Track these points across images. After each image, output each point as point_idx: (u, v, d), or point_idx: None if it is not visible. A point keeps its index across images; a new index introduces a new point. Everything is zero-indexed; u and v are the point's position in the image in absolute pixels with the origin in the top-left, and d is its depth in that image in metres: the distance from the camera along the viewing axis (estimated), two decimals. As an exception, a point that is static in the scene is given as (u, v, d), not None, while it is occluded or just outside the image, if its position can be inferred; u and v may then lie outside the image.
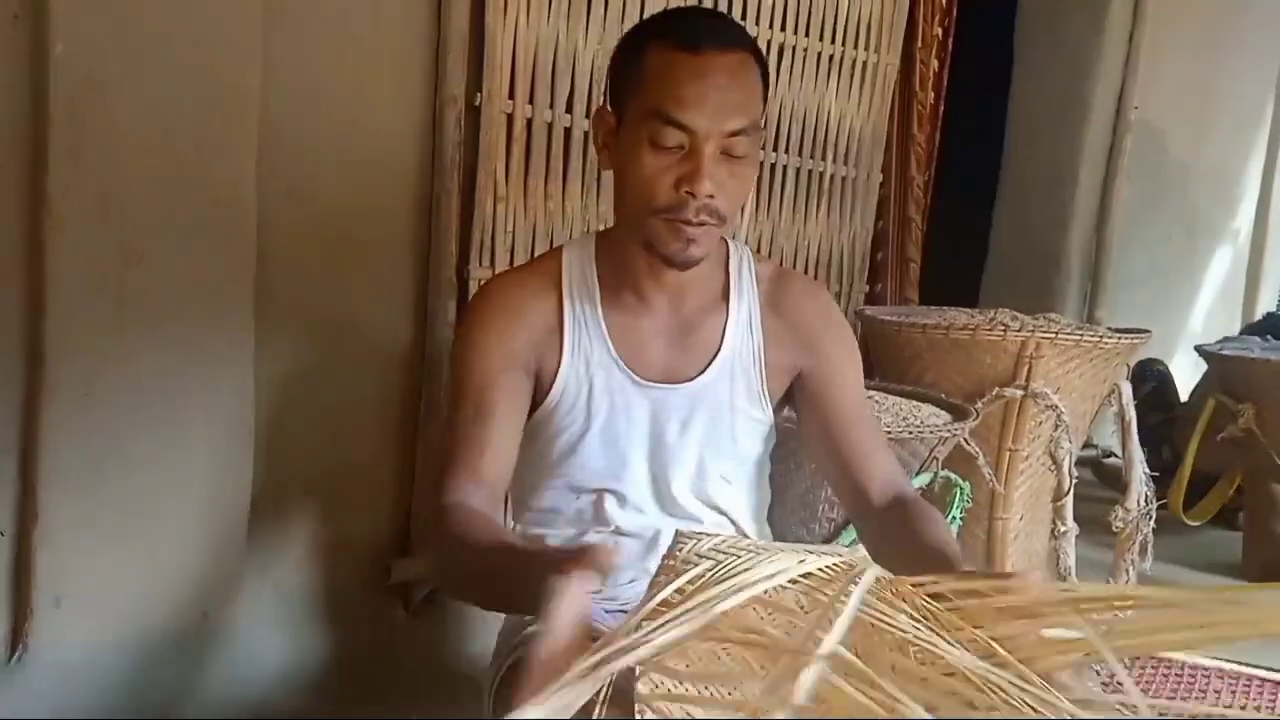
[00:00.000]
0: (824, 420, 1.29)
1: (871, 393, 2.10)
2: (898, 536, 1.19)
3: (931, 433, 1.85)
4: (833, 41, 2.58)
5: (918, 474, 1.85)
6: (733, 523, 1.31)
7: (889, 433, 1.74)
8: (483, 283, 1.35)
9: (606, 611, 1.24)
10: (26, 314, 1.48)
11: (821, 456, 1.31)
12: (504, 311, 1.24)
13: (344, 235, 1.83)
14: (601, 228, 1.34)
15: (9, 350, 1.48)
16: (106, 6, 1.47)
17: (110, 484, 1.56)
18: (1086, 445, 3.10)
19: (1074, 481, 2.21)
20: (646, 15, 2.00)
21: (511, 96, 1.99)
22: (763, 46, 2.38)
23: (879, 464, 1.28)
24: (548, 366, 1.25)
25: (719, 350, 1.26)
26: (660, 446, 1.26)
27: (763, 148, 2.43)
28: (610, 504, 1.27)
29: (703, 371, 1.26)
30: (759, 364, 1.28)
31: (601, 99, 1.27)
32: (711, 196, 1.12)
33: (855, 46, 2.64)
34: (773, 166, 2.53)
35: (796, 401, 1.32)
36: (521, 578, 0.97)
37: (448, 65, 1.88)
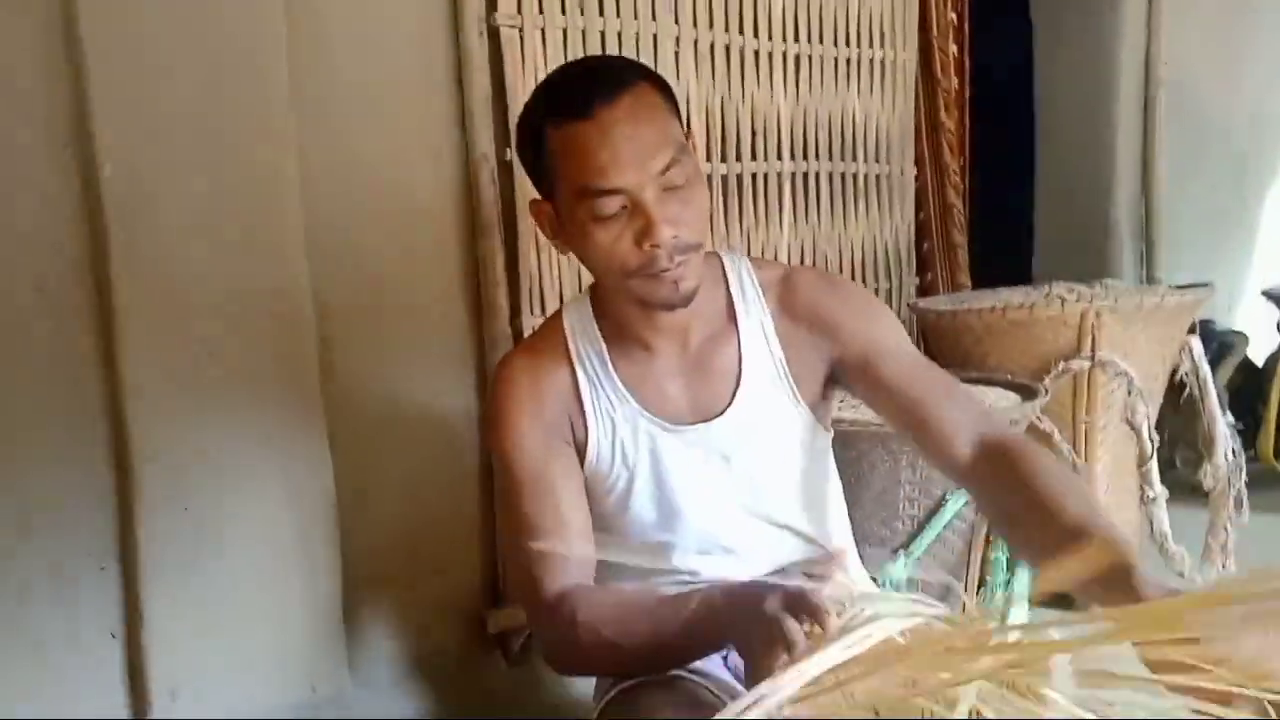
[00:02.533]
0: (882, 393, 1.22)
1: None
2: (1009, 500, 1.08)
3: (1001, 415, 1.84)
4: (847, 44, 2.59)
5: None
6: (797, 534, 1.28)
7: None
8: (504, 357, 1.32)
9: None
10: (111, 424, 1.54)
11: (900, 429, 1.24)
12: (524, 388, 1.22)
13: (397, 304, 1.88)
14: (590, 285, 1.31)
15: (98, 460, 1.54)
16: (145, 122, 1.54)
17: (208, 578, 1.62)
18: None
19: (1156, 445, 2.17)
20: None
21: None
22: (779, 58, 2.43)
23: (955, 414, 1.17)
24: (578, 434, 1.23)
25: (740, 376, 1.23)
26: (711, 486, 1.23)
27: (792, 156, 2.48)
28: (673, 554, 1.24)
29: (730, 402, 1.22)
30: (785, 375, 1.24)
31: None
32: (675, 236, 1.09)
33: (870, 45, 2.65)
34: (805, 175, 2.54)
35: (848, 388, 1.27)
36: (710, 617, 1.01)
37: (475, 125, 1.92)
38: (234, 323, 1.63)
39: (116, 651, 1.57)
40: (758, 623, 0.96)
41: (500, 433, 1.22)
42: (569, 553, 1.15)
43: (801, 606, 0.92)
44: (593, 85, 1.10)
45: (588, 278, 1.99)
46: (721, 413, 1.23)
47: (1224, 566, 2.06)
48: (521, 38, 1.96)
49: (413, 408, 1.92)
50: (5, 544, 1.48)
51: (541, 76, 2.01)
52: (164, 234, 1.56)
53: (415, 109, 1.90)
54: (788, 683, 0.82)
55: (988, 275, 3.23)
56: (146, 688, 1.57)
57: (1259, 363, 3.44)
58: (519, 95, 1.98)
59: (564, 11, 2.02)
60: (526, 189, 1.97)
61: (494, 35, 1.93)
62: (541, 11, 1.99)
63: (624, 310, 1.21)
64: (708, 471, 1.23)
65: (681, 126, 1.15)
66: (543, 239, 2.02)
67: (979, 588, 1.96)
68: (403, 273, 1.89)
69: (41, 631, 1.52)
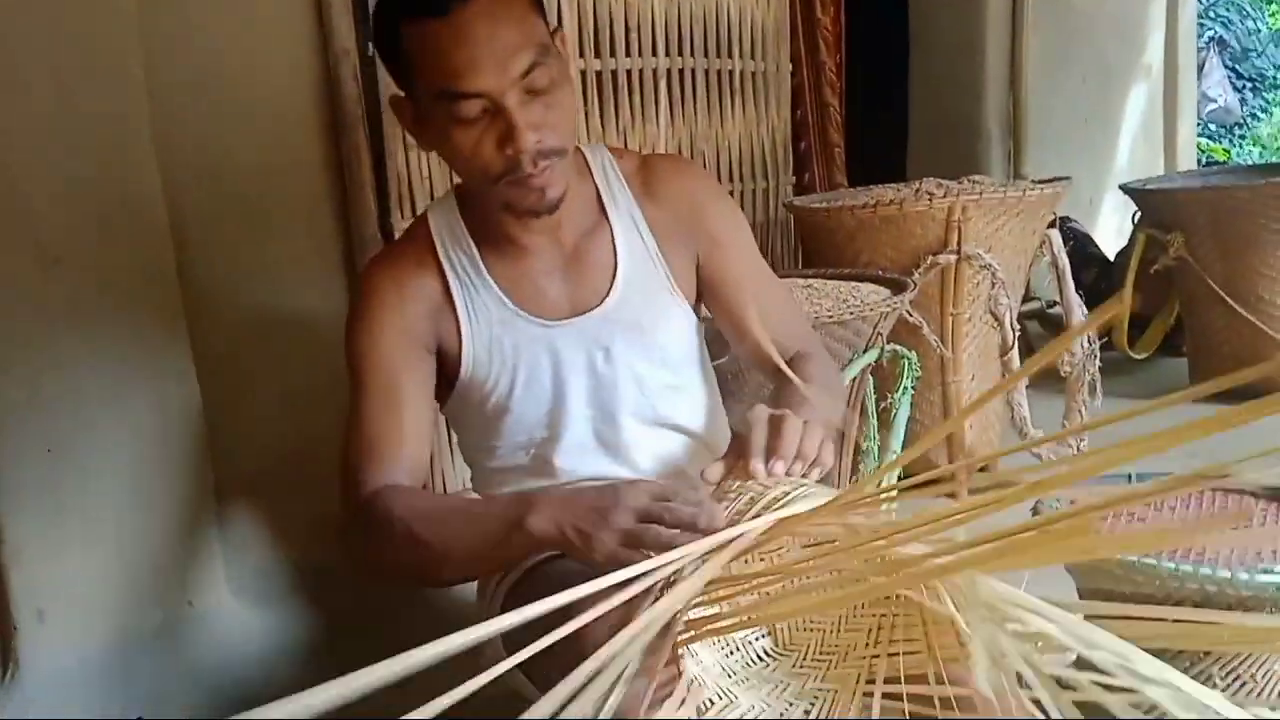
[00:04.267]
0: (726, 299, 1.27)
1: (810, 281, 2.13)
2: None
3: (872, 309, 1.88)
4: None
5: (865, 351, 1.89)
6: (685, 432, 1.30)
7: (830, 319, 1.77)
8: (369, 260, 1.29)
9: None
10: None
11: (734, 338, 1.30)
12: (388, 292, 1.19)
13: (259, 208, 1.80)
14: (456, 184, 1.28)
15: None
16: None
17: (69, 493, 1.55)
18: (1027, 299, 3.15)
19: (1017, 335, 2.26)
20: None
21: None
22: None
23: (782, 329, 1.27)
24: (448, 338, 1.21)
25: (616, 266, 1.23)
26: (594, 379, 1.23)
27: (666, 52, 2.45)
28: (555, 453, 1.24)
29: (608, 293, 1.22)
30: (660, 263, 1.25)
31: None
32: (539, 141, 1.07)
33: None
34: (681, 71, 2.51)
35: (702, 289, 1.30)
36: (512, 519, 0.99)
37: (333, 17, 1.83)
38: (81, 230, 1.54)
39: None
40: (597, 509, 0.97)
41: (356, 339, 1.19)
42: (394, 455, 1.13)
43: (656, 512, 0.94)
44: None
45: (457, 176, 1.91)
46: (599, 304, 1.22)
47: (1079, 448, 2.17)
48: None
49: (281, 315, 1.85)
50: None
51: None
52: (9, 137, 1.46)
53: (273, 5, 1.80)
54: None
55: (864, 174, 3.29)
56: (10, 610, 1.51)
57: (1113, 257, 3.61)
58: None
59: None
60: (391, 84, 1.93)
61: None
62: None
63: (493, 213, 1.18)
64: (589, 365, 1.23)
65: (546, 25, 1.11)
66: (409, 138, 1.97)
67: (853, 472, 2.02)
68: (263, 174, 1.80)
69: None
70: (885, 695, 0.92)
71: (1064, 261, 2.31)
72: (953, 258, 2.15)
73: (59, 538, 1.55)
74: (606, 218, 1.24)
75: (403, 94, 1.14)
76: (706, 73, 2.58)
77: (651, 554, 0.89)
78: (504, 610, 1.15)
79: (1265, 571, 1.13)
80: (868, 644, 0.98)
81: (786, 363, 1.24)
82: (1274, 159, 8.13)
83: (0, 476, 1.49)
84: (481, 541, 1.04)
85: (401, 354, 1.18)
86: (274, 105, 1.83)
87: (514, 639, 0.76)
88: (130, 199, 1.60)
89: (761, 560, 0.99)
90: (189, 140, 1.70)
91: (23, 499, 1.51)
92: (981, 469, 0.91)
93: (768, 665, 1.06)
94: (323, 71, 1.86)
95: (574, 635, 0.95)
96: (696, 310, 1.31)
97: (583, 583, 0.76)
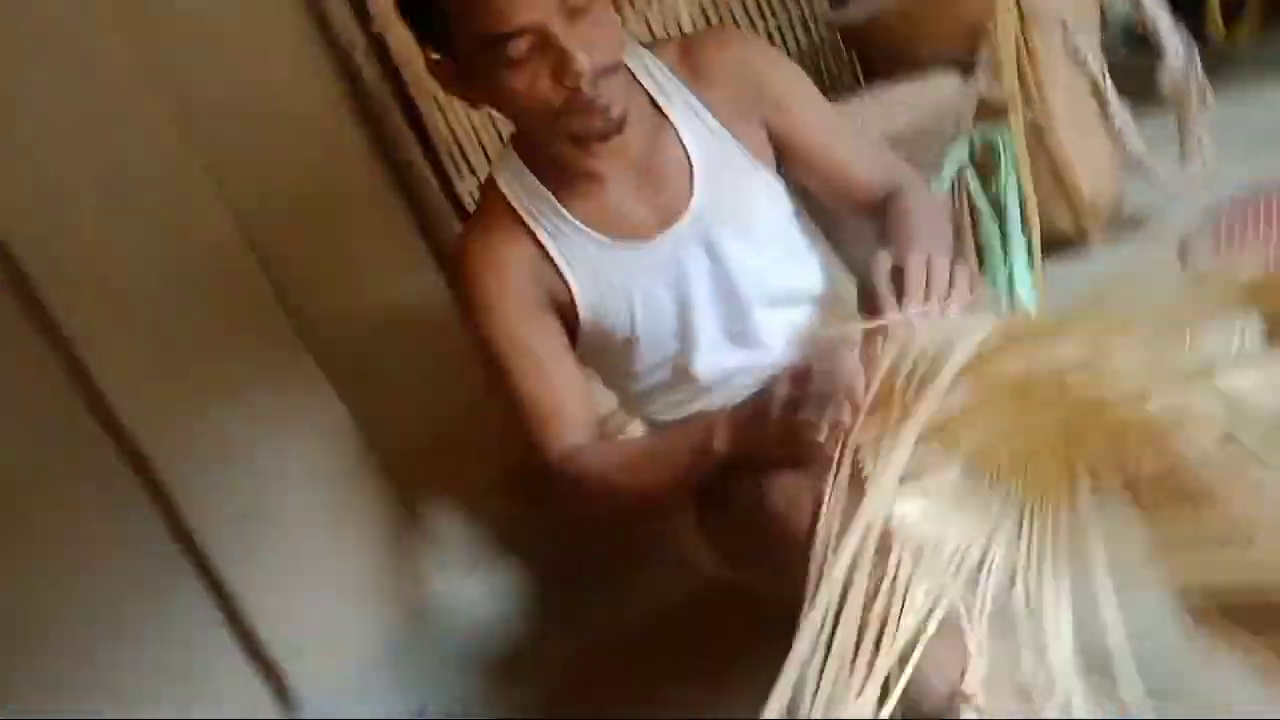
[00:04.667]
0: (805, 157, 1.24)
1: (876, 96, 2.03)
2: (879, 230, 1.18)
3: (947, 101, 1.80)
4: None
5: (951, 149, 1.82)
6: (809, 298, 1.28)
7: (908, 128, 1.70)
8: (454, 243, 1.28)
9: None
10: (114, 438, 1.52)
11: (825, 193, 1.27)
12: (487, 268, 1.19)
13: (325, 215, 1.83)
14: (512, 135, 1.26)
15: (123, 480, 1.54)
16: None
17: (273, 534, 1.65)
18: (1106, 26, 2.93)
19: (1104, 65, 2.12)
20: None
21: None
22: None
23: (866, 169, 1.24)
24: (559, 291, 1.21)
25: (690, 163, 1.20)
26: (708, 280, 1.22)
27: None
28: (692, 362, 1.25)
29: (692, 193, 1.20)
30: (732, 143, 1.22)
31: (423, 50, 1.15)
32: (593, 61, 1.03)
33: None
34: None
35: (780, 154, 1.27)
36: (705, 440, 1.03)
37: (331, 15, 1.82)
38: (181, 300, 1.59)
39: (227, 640, 1.61)
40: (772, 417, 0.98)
41: (477, 323, 1.21)
42: (566, 417, 1.17)
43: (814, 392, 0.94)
44: None
45: (503, 124, 1.91)
46: (687, 207, 1.21)
47: (1204, 164, 2.05)
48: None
49: (383, 307, 1.90)
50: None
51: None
52: (70, 233, 1.50)
53: (263, 21, 1.79)
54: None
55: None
56: (270, 657, 1.63)
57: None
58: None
59: None
60: (409, 56, 1.90)
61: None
62: None
63: (560, 151, 1.17)
64: (698, 269, 1.22)
65: None
66: (444, 98, 1.95)
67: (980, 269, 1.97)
68: (317, 181, 1.83)
69: (151, 640, 1.54)
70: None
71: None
72: (1015, 17, 2.01)
73: (279, 574, 1.65)
74: (666, 118, 1.21)
75: (439, 57, 1.12)
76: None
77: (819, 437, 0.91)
78: (701, 519, 1.19)
79: None
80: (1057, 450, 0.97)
81: (882, 200, 1.21)
82: None
83: (206, 543, 1.59)
84: (672, 476, 1.10)
85: (526, 322, 1.20)
86: (302, 109, 1.84)
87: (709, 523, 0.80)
88: (212, 245, 1.65)
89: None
90: (240, 170, 1.73)
91: (231, 554, 1.60)
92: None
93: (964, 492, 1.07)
94: (339, 65, 1.86)
95: (766, 514, 0.98)
96: (783, 176, 1.28)
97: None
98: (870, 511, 0.72)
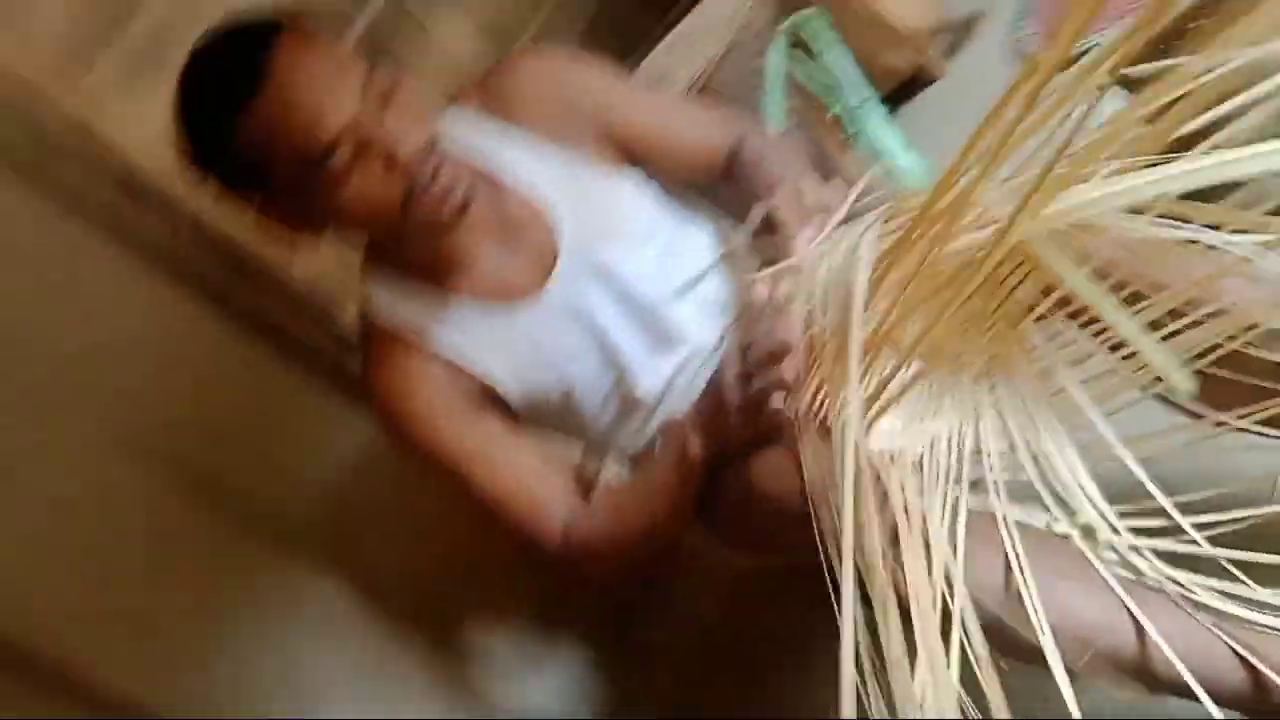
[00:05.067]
0: (641, 144, 1.24)
1: (676, 31, 1.99)
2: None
3: (741, 7, 1.78)
4: None
5: (770, 50, 1.79)
6: (712, 271, 1.28)
7: (712, 62, 1.67)
8: (364, 389, 1.24)
9: None
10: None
11: (674, 171, 1.28)
12: (401, 398, 1.17)
13: (240, 419, 1.78)
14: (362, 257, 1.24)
15: None
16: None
17: None
18: None
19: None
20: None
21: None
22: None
23: (704, 135, 1.25)
24: (481, 385, 1.20)
25: (544, 197, 1.19)
26: (613, 303, 1.22)
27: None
28: (633, 385, 1.24)
29: (557, 230, 1.19)
30: (572, 162, 1.20)
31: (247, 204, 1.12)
32: (416, 138, 1.02)
33: None
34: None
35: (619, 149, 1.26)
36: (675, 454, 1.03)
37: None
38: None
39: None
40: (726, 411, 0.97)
41: (416, 450, 1.19)
42: (543, 499, 1.16)
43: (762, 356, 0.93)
44: (248, 55, 0.98)
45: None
46: (559, 240, 1.19)
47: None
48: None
49: (340, 471, 1.86)
50: None
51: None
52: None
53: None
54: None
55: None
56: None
57: None
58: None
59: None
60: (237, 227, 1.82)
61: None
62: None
63: (419, 250, 1.14)
64: (598, 296, 1.21)
65: (341, 42, 1.05)
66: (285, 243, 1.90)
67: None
68: (215, 395, 1.77)
69: None
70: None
71: None
72: None
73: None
74: (495, 166, 1.19)
75: (262, 204, 1.08)
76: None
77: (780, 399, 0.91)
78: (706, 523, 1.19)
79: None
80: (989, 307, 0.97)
81: (729, 158, 1.21)
82: None
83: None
84: (667, 501, 1.10)
85: (463, 429, 1.18)
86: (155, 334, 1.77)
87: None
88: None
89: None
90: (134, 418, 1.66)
91: None
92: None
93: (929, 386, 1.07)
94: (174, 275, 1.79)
95: (758, 499, 0.98)
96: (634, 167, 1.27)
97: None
98: (848, 455, 0.72)
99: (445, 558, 1.86)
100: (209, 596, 1.60)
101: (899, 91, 2.18)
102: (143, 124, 1.74)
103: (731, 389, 0.97)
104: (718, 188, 1.30)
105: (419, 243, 1.13)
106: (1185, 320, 0.83)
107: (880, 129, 1.66)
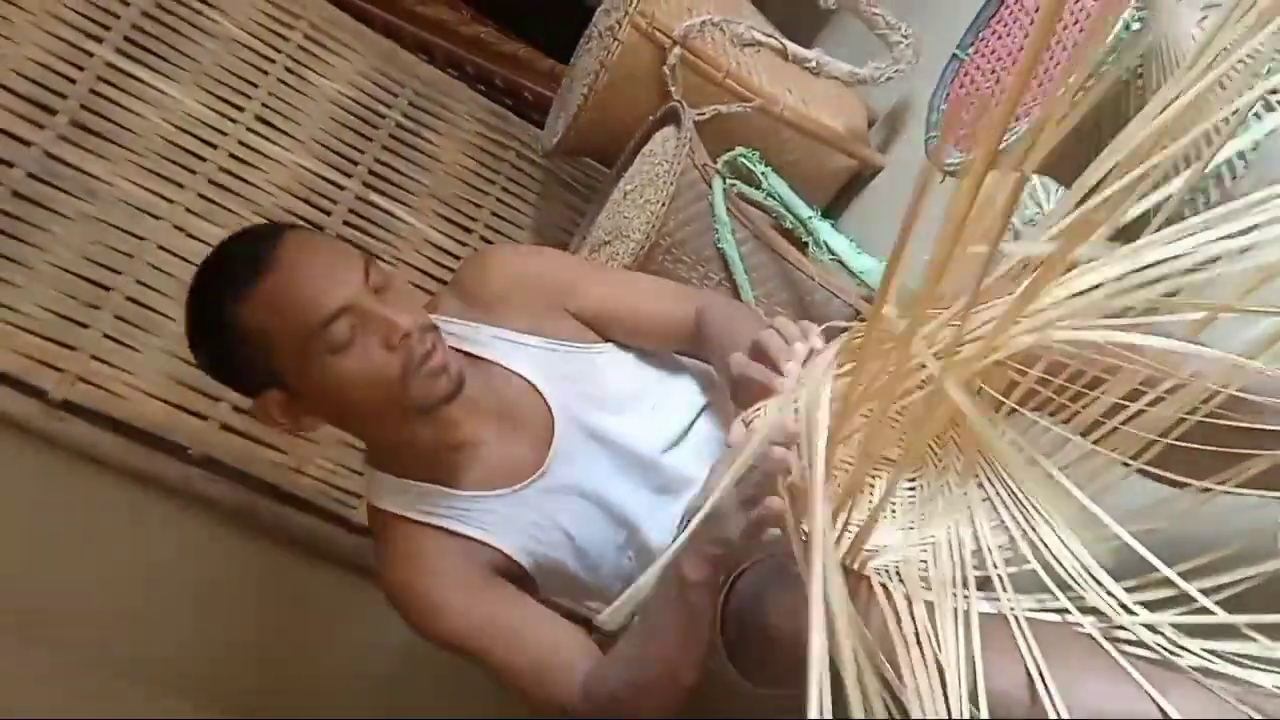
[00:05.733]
0: (610, 322, 1.30)
1: (619, 187, 2.07)
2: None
3: (676, 155, 1.84)
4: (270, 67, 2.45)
5: (711, 190, 1.85)
6: (701, 418, 1.32)
7: (660, 218, 1.73)
8: (383, 585, 1.27)
9: None
10: None
11: (644, 344, 1.33)
12: (418, 581, 1.19)
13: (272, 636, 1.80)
14: (366, 454, 1.29)
15: None
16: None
17: None
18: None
19: (774, 34, 2.19)
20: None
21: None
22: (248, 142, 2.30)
23: (670, 307, 1.30)
24: (495, 561, 1.22)
25: (531, 383, 1.24)
26: (613, 468, 1.25)
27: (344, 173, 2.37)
28: (645, 539, 1.26)
29: (549, 408, 1.24)
30: (552, 342, 1.26)
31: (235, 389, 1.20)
32: (412, 319, 1.09)
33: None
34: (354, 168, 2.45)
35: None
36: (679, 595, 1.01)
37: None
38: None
39: None
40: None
41: (436, 633, 1.20)
42: (562, 663, 1.16)
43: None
44: (255, 253, 1.08)
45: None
46: (553, 422, 1.23)
47: (904, 40, 2.12)
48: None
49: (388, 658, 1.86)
50: None
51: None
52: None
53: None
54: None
55: (558, 33, 3.11)
56: None
57: None
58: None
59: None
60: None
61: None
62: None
63: (419, 436, 1.18)
64: (597, 461, 1.25)
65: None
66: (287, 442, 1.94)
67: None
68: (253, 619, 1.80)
69: None
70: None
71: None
72: (677, 51, 2.04)
73: None
74: (486, 359, 1.24)
75: (258, 391, 1.13)
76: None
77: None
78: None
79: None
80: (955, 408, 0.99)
81: (695, 325, 1.27)
82: None
83: None
84: (678, 636, 1.07)
85: (478, 602, 1.19)
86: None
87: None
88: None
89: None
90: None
91: None
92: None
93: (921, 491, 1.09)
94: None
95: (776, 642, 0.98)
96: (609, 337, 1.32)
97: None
98: (823, 583, 0.73)
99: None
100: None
101: (849, 186, 2.26)
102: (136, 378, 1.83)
103: (727, 513, 0.99)
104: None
105: (420, 431, 1.17)
106: (1150, 395, 0.85)
107: (831, 238, 1.72)
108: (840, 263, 1.80)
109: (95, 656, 1.71)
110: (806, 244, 1.90)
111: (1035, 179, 1.29)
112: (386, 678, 1.87)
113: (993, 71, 1.60)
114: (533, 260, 1.32)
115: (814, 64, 1.96)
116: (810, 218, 1.74)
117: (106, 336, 1.88)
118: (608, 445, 1.25)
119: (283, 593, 1.90)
